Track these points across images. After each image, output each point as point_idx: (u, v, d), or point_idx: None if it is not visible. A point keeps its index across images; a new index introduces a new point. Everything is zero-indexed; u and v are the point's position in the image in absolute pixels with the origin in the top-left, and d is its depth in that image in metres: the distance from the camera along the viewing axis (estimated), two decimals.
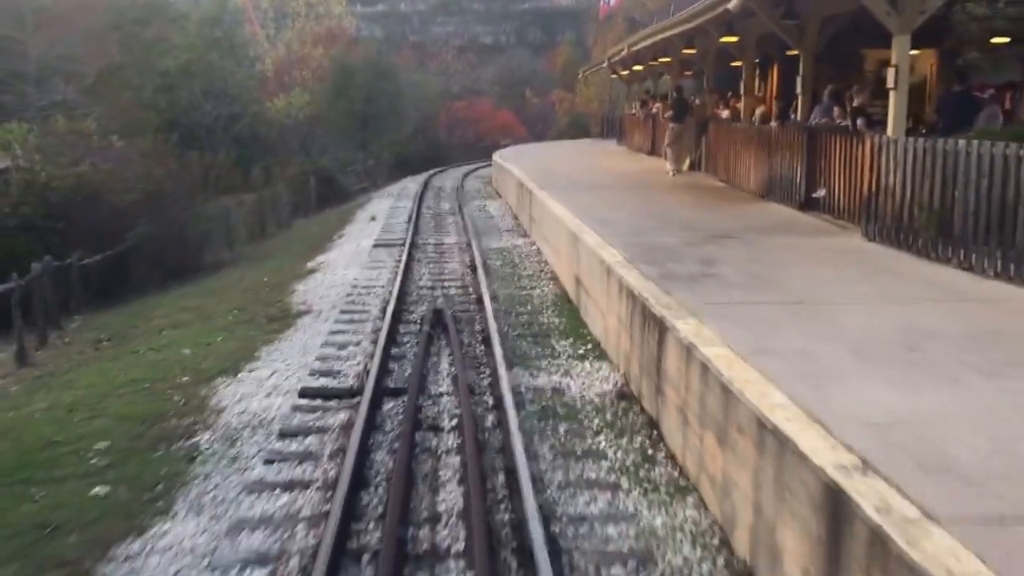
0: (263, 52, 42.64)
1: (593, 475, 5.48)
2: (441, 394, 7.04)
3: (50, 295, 12.34)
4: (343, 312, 9.95)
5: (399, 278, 11.24)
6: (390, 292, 10.53)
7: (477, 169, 34.46)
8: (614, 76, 29.32)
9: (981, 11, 8.75)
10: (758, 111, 15.37)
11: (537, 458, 5.68)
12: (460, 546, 4.63)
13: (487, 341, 8.34)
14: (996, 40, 10.98)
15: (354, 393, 6.97)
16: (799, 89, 12.51)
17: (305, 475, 5.57)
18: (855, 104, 10.95)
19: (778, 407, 4.24)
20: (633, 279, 7.31)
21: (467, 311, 9.73)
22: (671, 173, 17.51)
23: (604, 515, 4.94)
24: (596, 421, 6.43)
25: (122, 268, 16.51)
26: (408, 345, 8.42)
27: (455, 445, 5.97)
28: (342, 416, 6.52)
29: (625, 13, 28.58)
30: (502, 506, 5.05)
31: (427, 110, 48.02)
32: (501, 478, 5.42)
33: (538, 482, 5.26)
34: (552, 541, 4.56)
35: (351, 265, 13.15)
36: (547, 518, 4.81)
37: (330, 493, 5.16)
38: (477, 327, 9.02)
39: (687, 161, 18.20)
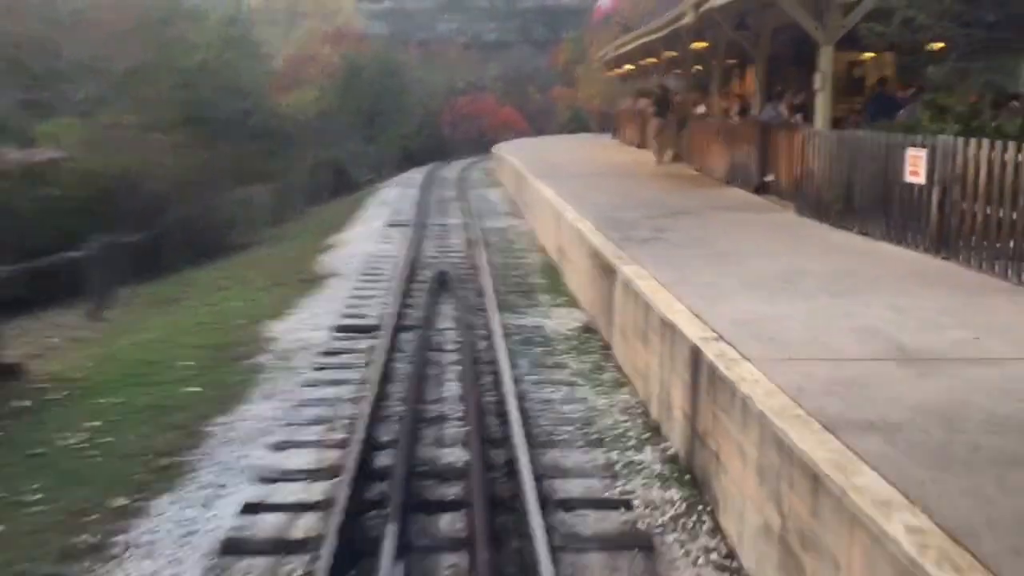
0: (275, 50, 44.54)
1: (557, 377, 7.45)
2: (445, 329, 9.03)
3: (107, 267, 14.27)
4: (363, 275, 11.94)
5: (409, 250, 13.21)
6: (402, 260, 12.50)
7: (480, 162, 36.38)
8: (609, 74, 31.20)
9: (879, 28, 10.65)
10: (735, 108, 17.26)
11: (517, 367, 7.64)
12: (459, 414, 6.60)
13: (483, 295, 10.32)
14: (934, 46, 12.86)
15: (378, 328, 8.94)
16: (742, 87, 14.42)
17: (345, 376, 7.54)
18: (794, 103, 12.86)
19: (677, 312, 6.19)
20: (597, 241, 9.26)
21: (467, 274, 11.70)
22: (655, 163, 19.43)
23: (562, 399, 6.91)
24: (564, 346, 8.40)
25: (158, 247, 18.44)
26: (418, 297, 10.38)
27: (455, 359, 7.95)
28: (369, 342, 8.49)
29: (618, 15, 30.37)
30: (489, 393, 7.01)
31: (432, 105, 49.95)
32: (489, 378, 7.38)
33: (516, 381, 7.21)
34: (523, 411, 6.50)
35: (367, 241, 15.14)
36: (520, 400, 6.75)
37: (365, 385, 7.11)
38: (475, 285, 10.99)
39: (670, 152, 20.09)
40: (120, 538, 4.84)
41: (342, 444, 5.95)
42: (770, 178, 13.21)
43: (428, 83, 51.10)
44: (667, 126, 19.85)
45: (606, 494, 5.25)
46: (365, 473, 5.43)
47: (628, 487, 5.33)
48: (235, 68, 36.18)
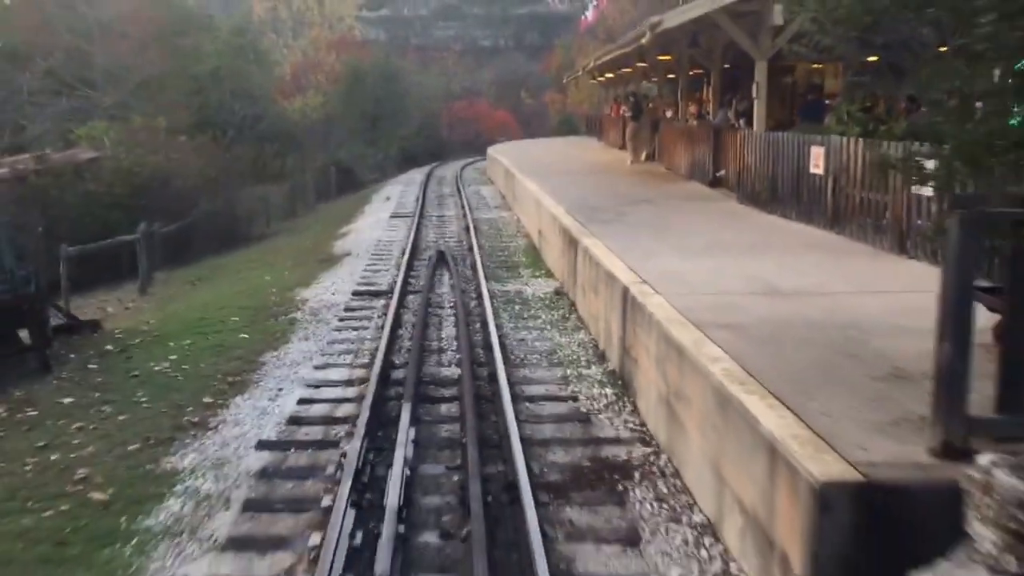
0: (281, 58, 46.66)
1: (531, 324, 9.49)
2: (443, 292, 11.08)
3: (149, 251, 16.31)
4: (373, 255, 13.99)
5: (412, 235, 15.26)
6: (406, 243, 14.55)
7: (474, 162, 38.43)
8: (593, 81, 33.27)
9: (797, 48, 12.70)
10: (695, 113, 19.35)
11: (500, 318, 9.67)
12: (454, 348, 8.64)
13: (474, 268, 12.37)
14: (871, 59, 14.92)
15: (388, 292, 10.98)
16: (708, 95, 16.50)
17: (364, 324, 9.59)
18: (739, 109, 14.93)
19: (617, 268, 8.23)
20: (568, 222, 11.31)
21: (461, 253, 13.75)
22: (630, 162, 21.48)
23: (533, 338, 8.95)
24: (538, 305, 10.45)
25: (187, 237, 20.46)
26: (421, 270, 12.42)
27: (451, 313, 9.99)
28: (382, 302, 10.54)
29: (603, 26, 32.41)
30: (477, 334, 9.05)
31: (430, 110, 52.04)
32: (478, 325, 9.41)
33: (498, 327, 9.24)
34: (503, 346, 8.54)
35: (375, 229, 17.20)
36: (501, 340, 8.78)
37: (383, 332, 9.14)
38: (468, 262, 13.04)
39: (644, 153, 22.13)
40: (213, 419, 6.88)
41: (367, 365, 8.00)
42: (721, 173, 15.25)
43: (426, 88, 53.23)
44: (641, 129, 21.88)
45: (560, 393, 7.29)
46: (385, 380, 7.47)
47: (576, 389, 7.37)
48: (244, 75, 38.28)
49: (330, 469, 5.69)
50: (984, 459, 3.43)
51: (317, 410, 6.95)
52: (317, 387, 7.53)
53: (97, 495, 5.47)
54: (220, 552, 4.68)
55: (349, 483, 5.17)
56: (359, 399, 7.04)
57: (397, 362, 8.12)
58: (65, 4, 21.75)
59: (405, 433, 6.11)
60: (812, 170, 10.41)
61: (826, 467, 3.69)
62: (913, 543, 3.51)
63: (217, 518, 5.07)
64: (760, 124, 13.05)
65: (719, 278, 7.72)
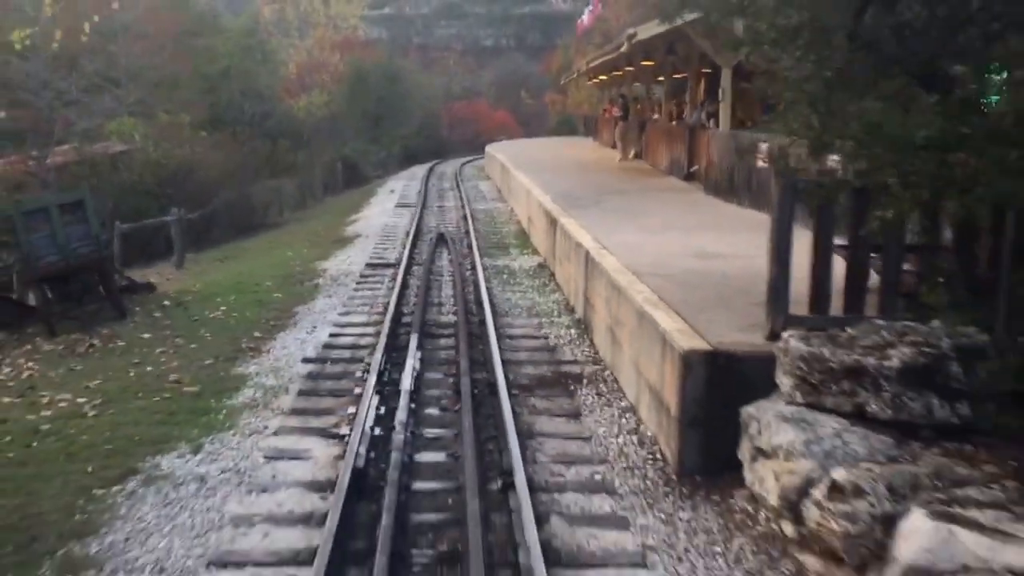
0: (287, 58, 48.59)
1: (516, 288, 11.47)
2: (443, 265, 13.06)
3: (180, 233, 18.25)
4: (382, 236, 15.97)
5: (415, 221, 17.23)
6: (410, 227, 16.52)
7: (473, 160, 40.43)
8: (589, 83, 35.24)
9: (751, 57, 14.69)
10: (674, 114, 21.30)
11: (490, 283, 11.64)
12: (451, 303, 10.61)
13: (470, 248, 14.35)
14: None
15: (395, 265, 12.95)
16: (687, 97, 18.48)
17: (377, 286, 11.56)
18: (709, 111, 16.90)
19: (585, 239, 10.19)
20: (551, 206, 13.28)
21: (459, 236, 15.73)
22: (619, 160, 23.44)
23: (517, 298, 10.92)
24: (524, 275, 12.42)
25: (207, 224, 22.41)
26: (424, 248, 14.39)
27: (450, 279, 11.97)
28: (391, 271, 12.51)
29: (599, 29, 34.25)
30: (471, 298, 11.01)
31: (431, 109, 54.06)
32: (471, 288, 11.39)
33: (489, 290, 11.20)
34: (492, 303, 10.49)
35: (382, 216, 19.19)
36: (490, 298, 10.74)
37: (393, 291, 11.10)
38: (465, 243, 15.01)
39: (632, 151, 24.10)
40: (265, 346, 8.86)
41: (381, 313, 9.98)
42: (695, 168, 17.22)
43: (428, 88, 55.21)
44: (629, 129, 23.87)
45: (534, 333, 9.25)
46: (396, 322, 9.44)
47: (547, 332, 9.33)
48: (252, 75, 40.27)
49: (358, 373, 7.67)
50: (786, 334, 5.39)
51: (345, 340, 8.93)
52: (343, 327, 9.50)
53: (189, 388, 7.45)
54: (287, 415, 6.66)
55: (374, 378, 7.14)
56: (376, 333, 9.00)
57: (405, 311, 10.09)
58: (99, 7, 23.57)
59: (413, 353, 8.08)
60: (760, 163, 12.37)
61: (691, 343, 5.67)
62: (743, 390, 5.47)
63: (281, 399, 7.06)
64: (725, 124, 15.01)
65: (664, 247, 9.69)
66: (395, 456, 5.67)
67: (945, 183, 4.66)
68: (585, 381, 7.58)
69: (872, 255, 5.91)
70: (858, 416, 5.09)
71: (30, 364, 8.84)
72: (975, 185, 4.58)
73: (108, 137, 22.57)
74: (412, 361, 7.73)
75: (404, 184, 28.09)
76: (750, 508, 5.22)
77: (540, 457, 5.95)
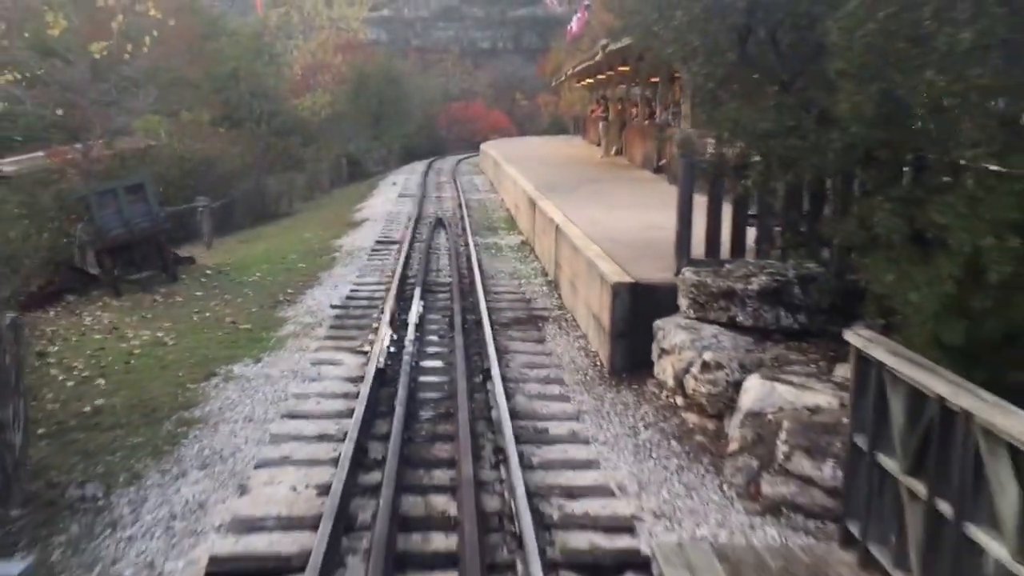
0: (292, 59, 50.79)
1: (501, 259, 13.67)
2: (440, 242, 15.26)
3: (209, 217, 20.38)
4: (387, 220, 18.17)
5: (417, 208, 19.42)
6: (412, 213, 18.71)
7: (469, 157, 42.65)
8: (578, 85, 37.42)
9: None
10: (647, 115, 23.46)
11: (480, 256, 13.83)
12: (447, 270, 12.80)
13: (464, 229, 16.55)
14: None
15: (400, 242, 15.15)
16: (658, 99, 20.69)
17: (385, 258, 13.76)
18: (674, 111, 19.09)
19: (557, 216, 12.38)
20: (532, 191, 15.47)
21: (455, 221, 17.93)
22: (600, 156, 25.63)
23: (501, 266, 13.12)
24: (509, 250, 14.62)
25: (227, 213, 24.55)
26: (424, 230, 16.58)
27: (446, 253, 14.17)
28: (397, 247, 14.71)
29: (589, 34, 36.31)
30: (463, 266, 13.20)
31: (430, 109, 56.26)
32: (464, 260, 13.58)
33: (479, 261, 13.38)
34: (480, 269, 12.68)
35: (386, 204, 21.38)
36: (480, 266, 12.91)
37: (399, 261, 13.28)
38: (460, 226, 17.21)
39: (613, 148, 26.29)
40: (299, 297, 11.06)
41: (390, 275, 12.16)
42: (663, 162, 19.42)
43: (426, 90, 57.41)
44: (610, 127, 26.06)
45: (515, 290, 11.44)
46: (403, 281, 11.62)
47: (524, 289, 11.52)
48: (260, 75, 42.44)
49: (375, 315, 9.86)
50: (685, 270, 7.59)
51: (363, 293, 11.13)
52: (360, 285, 11.70)
53: (243, 326, 9.64)
54: (322, 340, 8.86)
55: (388, 317, 9.33)
56: (387, 289, 11.19)
57: (410, 275, 12.28)
58: (127, 10, 25.71)
59: (417, 302, 10.27)
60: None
61: (620, 278, 7.87)
62: (655, 310, 7.66)
63: (317, 330, 9.26)
64: (686, 123, 17.19)
65: (622, 222, 11.88)
66: (406, 359, 7.87)
67: (781, 161, 6.85)
68: (551, 320, 9.78)
69: (751, 216, 8.13)
70: (731, 325, 7.29)
71: (107, 314, 11.01)
72: (800, 161, 6.77)
73: (134, 133, 24.70)
74: (416, 307, 9.93)
75: (405, 178, 30.29)
76: (655, 390, 7.43)
77: (511, 363, 8.15)
